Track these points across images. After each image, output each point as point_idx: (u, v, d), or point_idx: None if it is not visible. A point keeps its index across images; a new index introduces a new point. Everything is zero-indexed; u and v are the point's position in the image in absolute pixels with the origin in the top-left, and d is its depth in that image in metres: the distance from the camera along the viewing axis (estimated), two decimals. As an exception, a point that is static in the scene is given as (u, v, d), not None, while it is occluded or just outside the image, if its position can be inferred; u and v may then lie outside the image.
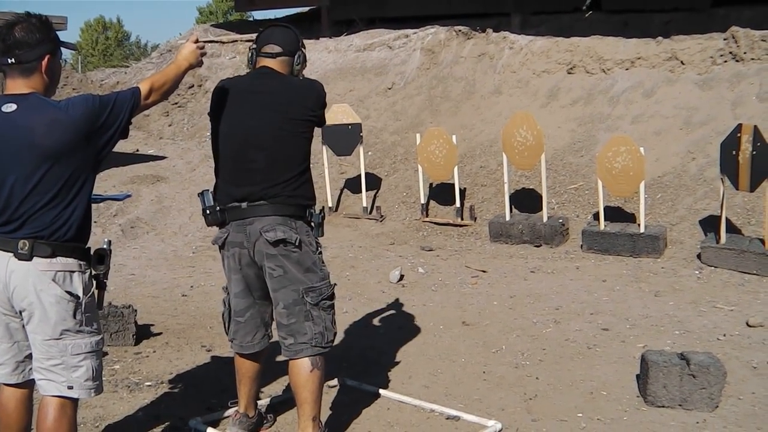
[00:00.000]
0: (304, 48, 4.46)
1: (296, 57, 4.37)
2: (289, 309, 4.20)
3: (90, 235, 3.69)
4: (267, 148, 4.19)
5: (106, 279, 3.75)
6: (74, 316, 3.51)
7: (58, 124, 3.42)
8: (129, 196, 6.83)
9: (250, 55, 4.46)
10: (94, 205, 3.74)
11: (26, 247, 3.43)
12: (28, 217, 3.45)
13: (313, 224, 4.27)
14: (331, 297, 4.30)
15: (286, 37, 4.41)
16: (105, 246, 3.72)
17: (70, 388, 3.55)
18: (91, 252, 3.66)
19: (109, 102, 3.55)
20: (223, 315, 4.52)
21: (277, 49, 4.37)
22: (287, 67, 4.36)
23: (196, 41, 4.03)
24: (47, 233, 3.45)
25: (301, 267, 4.17)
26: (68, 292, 3.49)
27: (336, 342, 4.54)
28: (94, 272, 3.67)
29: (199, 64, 4.06)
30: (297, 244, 4.14)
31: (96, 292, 3.71)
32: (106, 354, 5.88)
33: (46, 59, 3.55)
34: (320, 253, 4.30)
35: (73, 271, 3.52)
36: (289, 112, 4.20)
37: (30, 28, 3.53)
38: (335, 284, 4.41)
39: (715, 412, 4.88)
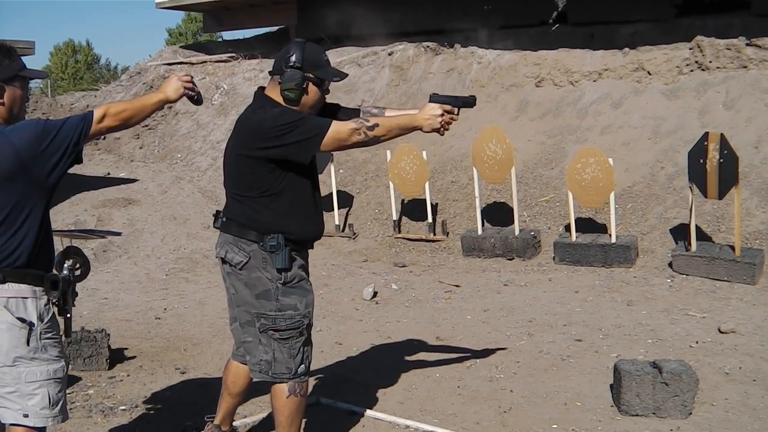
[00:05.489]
0: (300, 65, 4.07)
1: (282, 76, 4.08)
2: (245, 327, 4.18)
3: (51, 261, 3.61)
4: (226, 174, 4.22)
5: (72, 305, 3.65)
6: (27, 343, 3.41)
7: None
8: (119, 234, 6.80)
9: None
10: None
11: None
12: None
13: (266, 251, 4.04)
14: (288, 330, 4.07)
15: (279, 55, 4.16)
16: (66, 273, 3.65)
17: (26, 416, 3.45)
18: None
19: (54, 127, 3.43)
20: None
21: (271, 68, 4.23)
22: (277, 86, 4.12)
23: (186, 76, 3.83)
24: None
25: (251, 291, 4.07)
26: (20, 319, 3.39)
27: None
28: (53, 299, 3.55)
29: (186, 96, 3.83)
30: (240, 266, 4.06)
31: (60, 318, 3.62)
32: (79, 379, 5.86)
33: None
34: (284, 283, 4.06)
35: (26, 298, 3.42)
36: (235, 145, 4.11)
37: None
38: (306, 320, 4.13)
39: (689, 419, 4.91)
